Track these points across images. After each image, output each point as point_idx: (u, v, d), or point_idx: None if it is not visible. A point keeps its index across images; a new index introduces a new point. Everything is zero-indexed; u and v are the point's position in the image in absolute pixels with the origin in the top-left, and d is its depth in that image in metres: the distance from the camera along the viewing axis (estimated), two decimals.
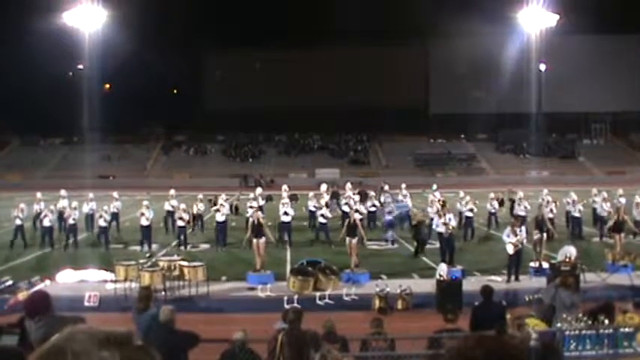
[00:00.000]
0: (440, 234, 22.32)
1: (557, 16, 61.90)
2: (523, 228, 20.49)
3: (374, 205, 30.72)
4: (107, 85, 77.99)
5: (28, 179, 64.61)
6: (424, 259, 23.94)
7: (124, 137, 79.10)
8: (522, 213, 28.16)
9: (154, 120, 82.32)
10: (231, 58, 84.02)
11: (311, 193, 31.92)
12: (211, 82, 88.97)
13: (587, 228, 29.54)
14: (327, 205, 30.18)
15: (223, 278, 20.63)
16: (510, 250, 19.77)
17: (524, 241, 20.07)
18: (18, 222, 26.99)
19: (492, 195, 31.54)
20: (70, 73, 73.38)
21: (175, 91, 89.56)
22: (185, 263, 18.91)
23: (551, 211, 28.03)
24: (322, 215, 27.49)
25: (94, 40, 57.96)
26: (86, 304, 17.01)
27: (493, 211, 30.55)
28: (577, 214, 28.30)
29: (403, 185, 33.25)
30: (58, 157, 77.10)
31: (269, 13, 72.63)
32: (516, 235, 19.80)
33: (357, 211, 27.39)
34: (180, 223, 26.52)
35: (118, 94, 72.87)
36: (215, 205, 28.56)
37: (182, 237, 26.62)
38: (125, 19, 58.48)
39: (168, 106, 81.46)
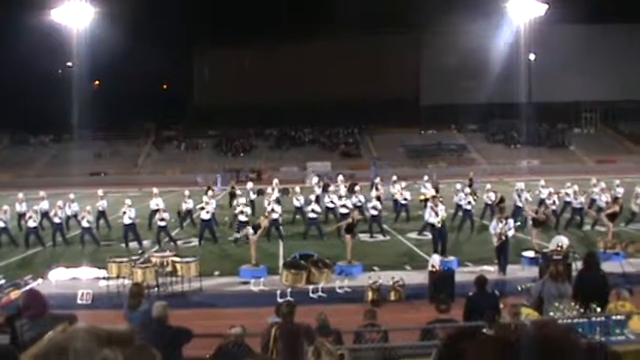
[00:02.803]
0: (432, 225, 22.34)
1: (546, 6, 62.03)
2: (510, 221, 20.50)
3: (360, 200, 30.43)
4: (97, 82, 77.76)
5: (19, 178, 64.38)
6: (417, 250, 24.02)
7: (114, 134, 78.98)
8: (521, 204, 28.19)
9: (145, 116, 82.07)
10: (221, 52, 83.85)
11: (297, 188, 31.81)
12: (202, 76, 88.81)
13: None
14: (317, 200, 30.22)
15: (216, 273, 20.64)
16: (495, 241, 19.81)
17: (509, 232, 20.01)
18: (1, 224, 26.87)
19: (489, 186, 31.58)
20: (60, 71, 73.05)
21: (166, 87, 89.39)
22: (178, 259, 18.93)
23: (554, 203, 28.13)
24: (312, 210, 27.44)
25: (82, 37, 57.84)
26: (79, 301, 17.02)
27: (489, 202, 30.54)
28: (579, 206, 28.30)
29: (394, 177, 33.28)
30: (48, 155, 76.84)
31: (258, 8, 72.45)
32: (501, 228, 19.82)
33: (343, 205, 27.51)
34: (161, 223, 26.30)
35: (108, 91, 72.65)
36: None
37: (163, 236, 26.43)
38: (114, 15, 58.33)
39: (159, 102, 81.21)
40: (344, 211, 26.62)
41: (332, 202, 29.43)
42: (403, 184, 32.22)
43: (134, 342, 1.60)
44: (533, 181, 33.89)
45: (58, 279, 20.01)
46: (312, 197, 29.04)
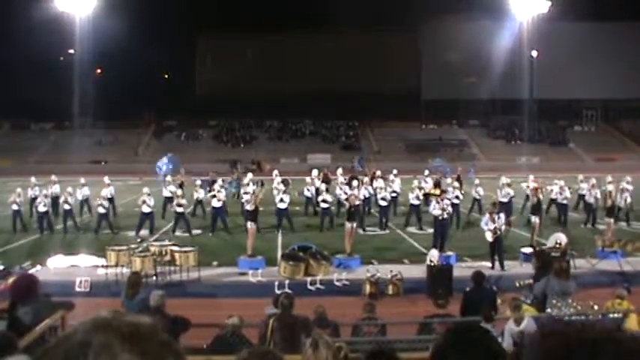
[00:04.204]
0: (435, 217, 22.33)
1: (549, 3, 61.97)
2: (502, 215, 20.50)
3: (369, 192, 30.46)
4: (98, 70, 77.59)
5: (19, 164, 64.39)
6: (416, 244, 24.04)
7: (115, 122, 78.73)
8: (505, 199, 27.94)
9: (146, 105, 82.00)
10: (222, 43, 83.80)
11: (308, 179, 31.92)
12: (203, 66, 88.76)
13: (571, 213, 29.67)
14: (317, 192, 30.27)
15: (214, 263, 20.66)
16: (489, 237, 19.84)
17: (503, 227, 20.08)
18: (15, 207, 27.02)
19: (477, 181, 31.55)
20: (62, 58, 72.90)
21: (167, 76, 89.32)
22: (176, 248, 18.93)
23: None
24: (324, 200, 27.41)
25: (85, 24, 57.80)
26: (77, 289, 17.04)
27: (478, 197, 30.61)
28: (564, 202, 28.19)
29: (395, 171, 33.25)
30: (49, 142, 76.80)
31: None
32: (494, 222, 19.85)
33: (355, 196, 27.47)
34: (179, 209, 26.42)
35: (110, 79, 72.50)
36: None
37: (183, 223, 26.52)
38: (117, 3, 58.24)
39: (160, 91, 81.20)
40: (356, 202, 26.66)
41: (345, 193, 29.28)
42: (391, 177, 32.20)
43: (158, 337, 1.56)
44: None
45: (56, 266, 20.05)
46: (323, 187, 28.99)
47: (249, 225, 21.21)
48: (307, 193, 31.00)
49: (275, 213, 27.30)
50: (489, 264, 19.68)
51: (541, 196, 24.42)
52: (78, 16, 57.35)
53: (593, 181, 29.14)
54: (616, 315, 11.27)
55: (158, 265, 18.22)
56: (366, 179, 32.03)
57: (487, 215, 20.51)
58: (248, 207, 24.05)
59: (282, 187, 27.98)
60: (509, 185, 29.37)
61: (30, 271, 17.85)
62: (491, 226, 19.79)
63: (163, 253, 18.63)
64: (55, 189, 30.14)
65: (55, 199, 29.13)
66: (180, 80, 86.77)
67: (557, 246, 18.35)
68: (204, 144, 78.26)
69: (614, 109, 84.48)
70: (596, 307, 11.50)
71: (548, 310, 11.57)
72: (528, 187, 28.36)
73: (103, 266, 19.26)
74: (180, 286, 17.88)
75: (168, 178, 31.26)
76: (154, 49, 70.86)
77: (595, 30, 77.39)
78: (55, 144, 75.54)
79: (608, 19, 74.67)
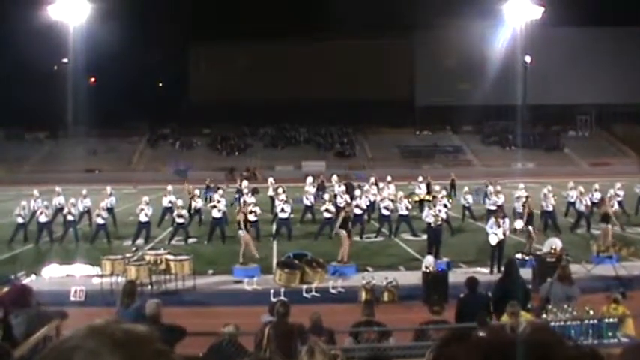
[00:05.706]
0: (428, 224, 22.32)
1: (542, 9, 62.12)
2: (506, 219, 20.53)
3: (369, 200, 30.33)
4: (92, 79, 77.53)
5: (13, 174, 64.28)
6: (411, 251, 24.02)
7: (109, 131, 78.61)
8: (492, 207, 27.61)
9: (140, 113, 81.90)
10: (216, 50, 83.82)
11: (307, 188, 31.87)
12: (197, 74, 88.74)
13: (565, 219, 29.68)
14: (314, 198, 30.28)
15: (209, 271, 20.62)
16: (493, 241, 19.82)
17: (507, 232, 20.10)
18: (20, 220, 26.87)
19: (466, 189, 31.57)
20: (55, 67, 72.82)
21: (161, 84, 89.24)
22: (171, 257, 18.85)
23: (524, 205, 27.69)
24: (327, 210, 27.22)
25: (78, 33, 57.71)
26: (72, 298, 16.97)
27: (467, 205, 30.66)
28: (549, 209, 27.97)
29: (389, 178, 33.25)
30: (43, 151, 76.70)
31: (254, 6, 72.53)
32: (499, 227, 19.84)
33: (357, 206, 27.31)
34: (179, 220, 26.32)
35: (104, 88, 72.39)
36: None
37: (183, 233, 26.41)
38: (110, 11, 58.23)
39: (154, 99, 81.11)
40: (357, 212, 26.63)
41: (346, 202, 29.02)
42: (381, 185, 32.27)
43: (153, 344, 1.55)
44: (528, 184, 33.75)
45: (51, 275, 19.99)
46: (327, 197, 28.93)
47: (241, 233, 21.21)
48: (306, 202, 30.90)
49: (275, 222, 27.36)
50: (484, 269, 19.67)
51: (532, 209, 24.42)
52: (71, 25, 57.28)
53: (581, 188, 29.09)
54: (611, 320, 11.27)
55: (153, 274, 18.17)
56: (367, 187, 32.00)
57: (492, 219, 20.49)
58: (251, 218, 23.98)
59: (283, 197, 27.80)
60: (496, 193, 29.35)
61: (24, 281, 17.80)
62: (497, 230, 19.76)
63: (158, 261, 18.56)
64: (60, 200, 29.94)
65: (58, 211, 28.97)
66: (174, 88, 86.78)
67: (552, 251, 18.36)
68: (198, 152, 78.25)
69: (608, 113, 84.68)
70: (591, 312, 11.49)
71: (544, 315, 11.56)
72: (519, 198, 28.09)
73: (98, 275, 19.20)
74: (176, 294, 17.82)
75: (169, 187, 31.08)
76: (148, 58, 70.88)
77: (588, 35, 77.68)
78: (49, 153, 75.44)
79: (601, 24, 74.95)
